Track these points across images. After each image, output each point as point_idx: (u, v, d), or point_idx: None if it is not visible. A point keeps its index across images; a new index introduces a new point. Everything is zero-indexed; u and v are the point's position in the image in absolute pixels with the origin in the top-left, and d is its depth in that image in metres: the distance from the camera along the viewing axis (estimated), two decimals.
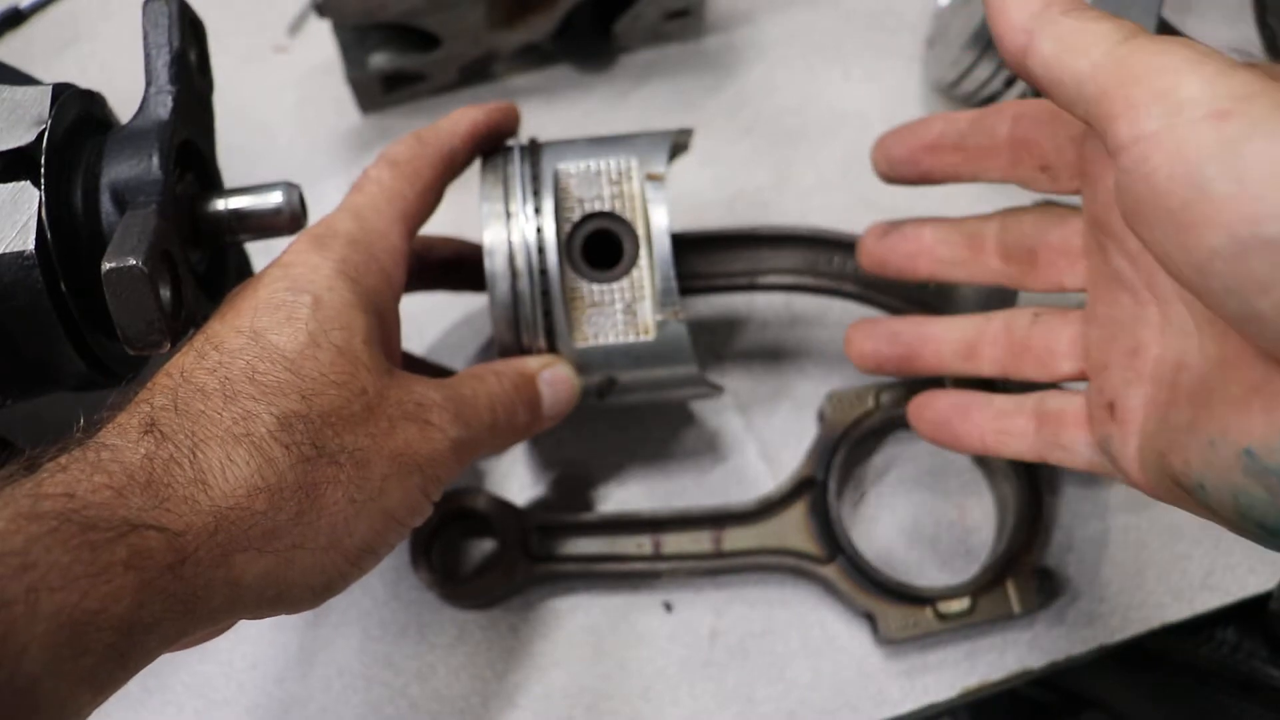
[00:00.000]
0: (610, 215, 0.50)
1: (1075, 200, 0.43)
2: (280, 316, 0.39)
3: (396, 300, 0.45)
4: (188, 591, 0.33)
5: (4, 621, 0.28)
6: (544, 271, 0.48)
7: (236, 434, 0.35)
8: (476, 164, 0.51)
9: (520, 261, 0.48)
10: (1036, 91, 0.61)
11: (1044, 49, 0.33)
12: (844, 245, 0.55)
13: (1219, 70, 0.29)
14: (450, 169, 0.48)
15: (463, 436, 0.42)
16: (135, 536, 0.31)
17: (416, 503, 0.40)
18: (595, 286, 0.49)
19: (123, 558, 0.31)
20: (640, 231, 0.49)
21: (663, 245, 0.49)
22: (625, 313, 0.49)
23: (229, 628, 0.37)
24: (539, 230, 0.48)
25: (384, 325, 0.43)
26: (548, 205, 0.49)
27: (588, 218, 0.50)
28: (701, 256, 0.55)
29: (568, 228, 0.49)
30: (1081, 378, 0.42)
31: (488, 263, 0.48)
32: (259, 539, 0.35)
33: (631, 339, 0.49)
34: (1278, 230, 0.26)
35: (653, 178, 0.50)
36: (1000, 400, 0.45)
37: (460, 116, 0.49)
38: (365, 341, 0.40)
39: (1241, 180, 0.27)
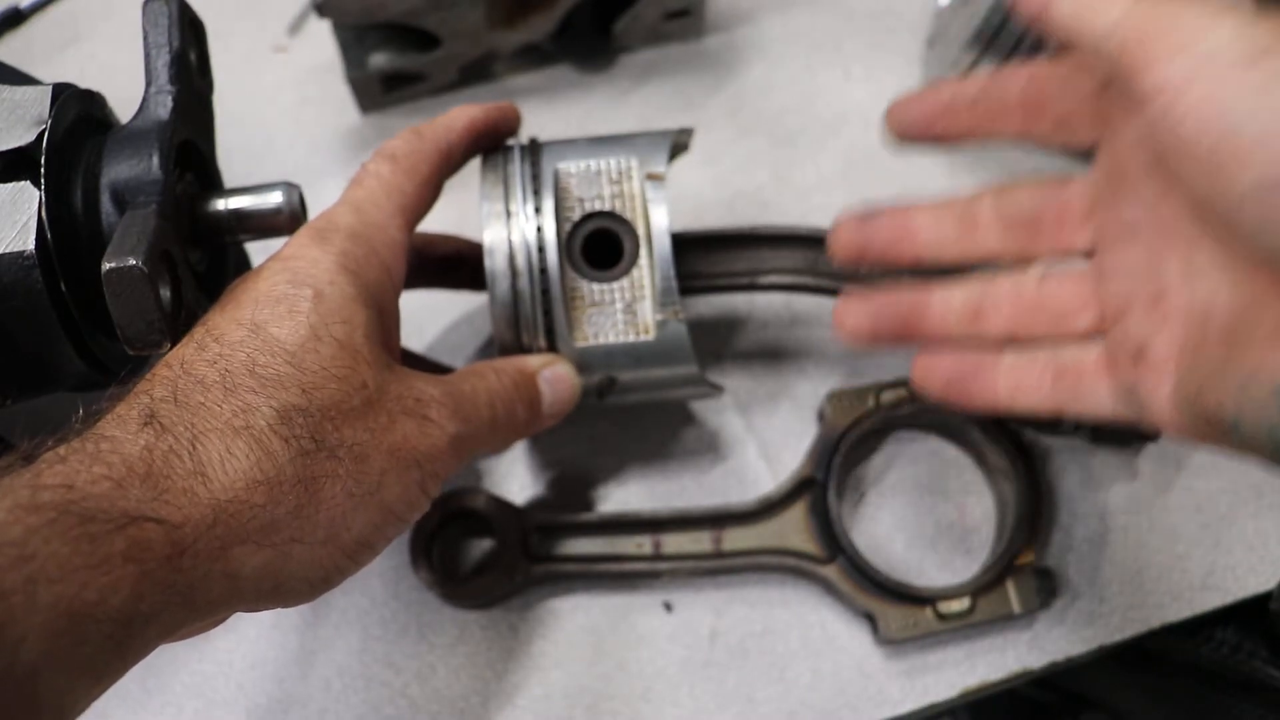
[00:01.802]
0: (610, 215, 0.50)
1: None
2: (281, 310, 0.39)
3: (397, 295, 0.45)
4: (186, 583, 0.33)
5: (2, 612, 0.28)
6: (544, 271, 0.48)
7: (236, 426, 0.35)
8: (476, 162, 0.51)
9: (520, 261, 0.48)
10: None
11: (1063, 8, 0.35)
12: None
13: (1243, 21, 0.30)
14: (448, 164, 0.48)
15: (462, 432, 0.42)
16: (134, 528, 0.31)
17: (415, 498, 0.40)
18: (595, 286, 0.49)
19: (121, 549, 0.31)
20: (640, 231, 0.49)
21: (663, 245, 0.49)
22: (625, 312, 0.49)
23: (225, 619, 0.37)
24: (539, 229, 0.48)
25: (384, 320, 0.43)
26: (548, 204, 0.49)
27: (588, 217, 0.50)
28: (701, 256, 0.55)
29: (568, 227, 0.49)
30: (1098, 332, 0.42)
31: (488, 261, 0.48)
32: (257, 532, 0.35)
33: (632, 338, 0.49)
34: None
35: (653, 177, 0.50)
36: (1011, 356, 0.44)
37: (459, 113, 0.49)
38: (366, 336, 0.40)
39: (1272, 123, 0.28)
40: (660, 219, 0.49)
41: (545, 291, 0.48)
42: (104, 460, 0.33)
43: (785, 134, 0.68)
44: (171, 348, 0.39)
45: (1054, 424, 0.53)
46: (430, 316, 0.62)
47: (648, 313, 0.49)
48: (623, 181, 0.50)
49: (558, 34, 0.67)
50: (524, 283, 0.48)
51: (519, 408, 0.46)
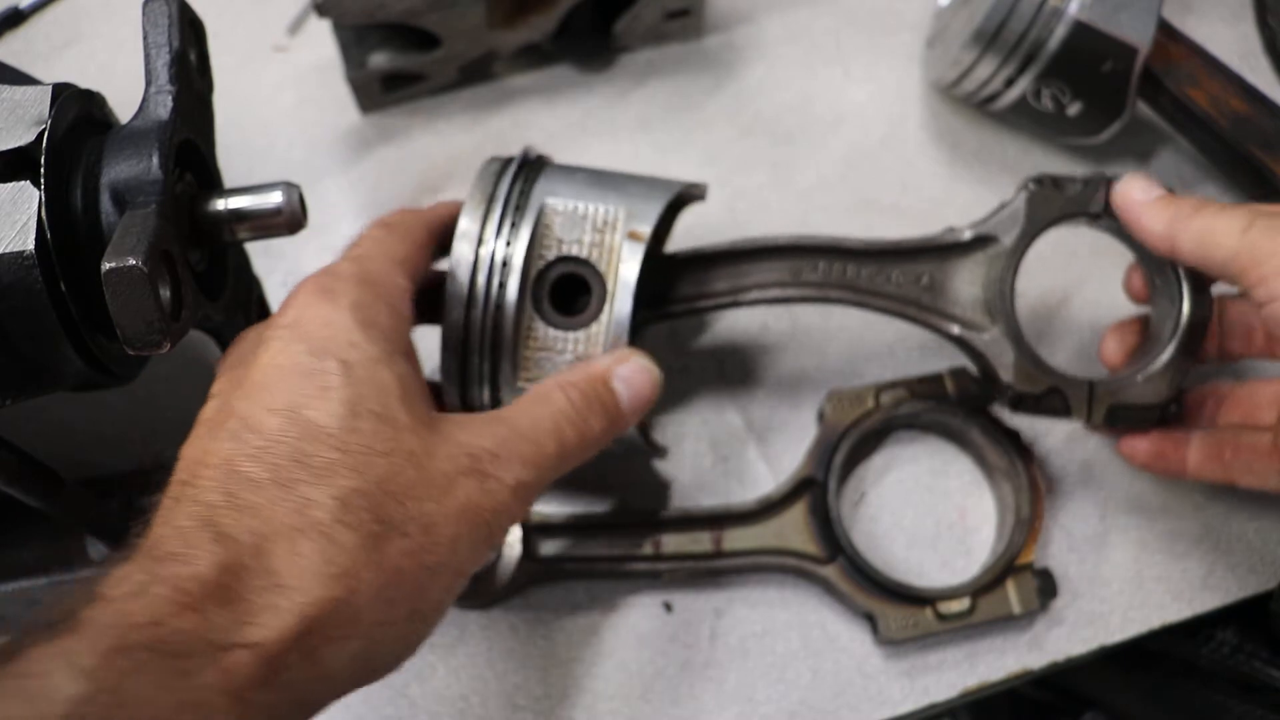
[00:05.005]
0: (584, 263, 0.48)
1: None
2: (312, 389, 0.38)
3: (409, 335, 0.44)
4: (286, 699, 0.32)
5: None
6: (499, 306, 0.47)
7: (300, 525, 0.34)
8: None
9: (480, 287, 0.47)
10: (1037, 91, 0.61)
11: (1187, 245, 0.46)
12: (828, 250, 0.54)
13: None
14: (440, 237, 0.48)
15: (524, 478, 0.40)
16: (226, 658, 0.31)
17: (484, 554, 0.40)
18: (551, 331, 0.48)
19: (215, 683, 0.30)
20: (609, 287, 0.48)
21: (623, 308, 0.47)
22: (574, 364, 0.48)
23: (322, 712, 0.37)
24: (505, 263, 0.47)
25: (412, 370, 0.41)
26: (523, 236, 0.48)
27: (562, 259, 0.48)
28: (685, 278, 0.54)
29: (541, 264, 0.48)
30: (1270, 426, 0.50)
31: (449, 283, 0.47)
32: (344, 625, 0.34)
33: None
34: None
35: (634, 237, 0.48)
36: (1198, 437, 0.53)
37: (450, 204, 0.49)
38: (401, 400, 0.39)
39: None
40: (629, 281, 0.48)
41: (497, 326, 0.47)
42: (183, 588, 0.32)
43: (785, 134, 0.68)
44: (171, 348, 0.39)
45: (1065, 410, 0.52)
46: None
47: None
48: (606, 231, 0.48)
49: (558, 34, 0.67)
50: (477, 312, 0.47)
51: (593, 421, 0.44)
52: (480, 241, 0.48)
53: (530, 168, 0.50)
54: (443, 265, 0.49)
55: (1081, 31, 0.58)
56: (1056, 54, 0.59)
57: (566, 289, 0.49)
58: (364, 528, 0.35)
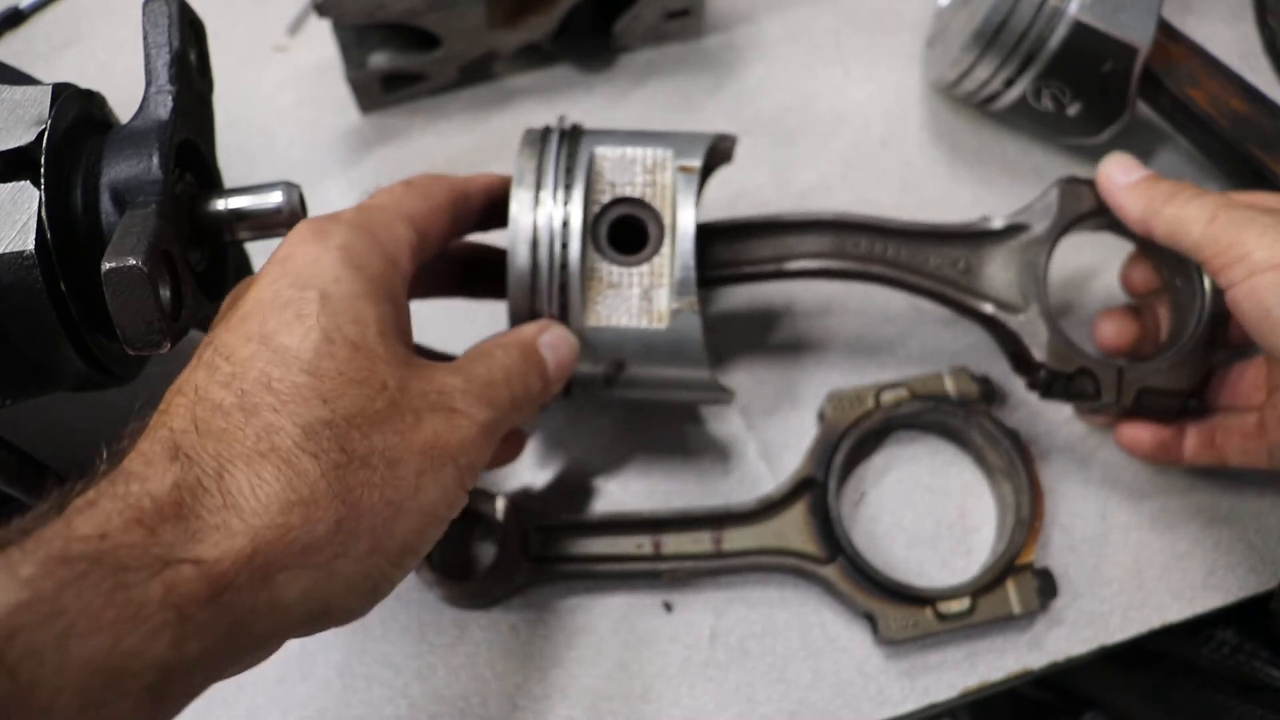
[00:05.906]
0: (639, 202, 0.50)
1: None
2: (288, 316, 0.38)
3: (405, 287, 0.44)
4: (230, 621, 0.32)
5: (31, 670, 0.27)
6: (565, 245, 0.48)
7: (262, 450, 0.35)
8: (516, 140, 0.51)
9: (543, 233, 0.48)
10: (1037, 91, 0.61)
11: (1159, 231, 0.50)
12: (870, 228, 0.55)
13: (1277, 237, 0.45)
14: (464, 203, 0.48)
15: (490, 418, 0.41)
16: (170, 572, 0.31)
17: (454, 497, 0.40)
18: (615, 268, 0.49)
19: (158, 596, 0.30)
20: (667, 221, 0.49)
21: (686, 235, 0.49)
22: (642, 299, 0.49)
23: (275, 650, 0.36)
24: (566, 207, 0.48)
25: (396, 313, 0.42)
26: (579, 184, 0.49)
27: (617, 201, 0.50)
28: (727, 246, 0.55)
29: (596, 208, 0.49)
30: (1258, 406, 0.53)
31: (510, 229, 0.48)
32: (298, 555, 0.34)
33: (645, 324, 0.49)
34: None
35: (685, 170, 0.50)
36: (1192, 424, 0.55)
37: (479, 175, 0.50)
38: (379, 333, 0.39)
39: None
40: (688, 210, 0.49)
41: (564, 266, 0.48)
42: (135, 503, 0.32)
43: (785, 134, 0.68)
44: (172, 348, 0.39)
45: (1095, 392, 0.53)
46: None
47: (664, 301, 0.49)
48: (656, 172, 0.50)
49: (558, 34, 0.67)
50: (543, 253, 0.48)
51: (533, 379, 0.45)
52: (539, 187, 0.48)
53: (571, 132, 0.51)
54: (490, 238, 0.49)
55: (1081, 31, 0.58)
56: (1056, 54, 0.59)
57: (624, 234, 0.50)
58: (327, 457, 0.35)
